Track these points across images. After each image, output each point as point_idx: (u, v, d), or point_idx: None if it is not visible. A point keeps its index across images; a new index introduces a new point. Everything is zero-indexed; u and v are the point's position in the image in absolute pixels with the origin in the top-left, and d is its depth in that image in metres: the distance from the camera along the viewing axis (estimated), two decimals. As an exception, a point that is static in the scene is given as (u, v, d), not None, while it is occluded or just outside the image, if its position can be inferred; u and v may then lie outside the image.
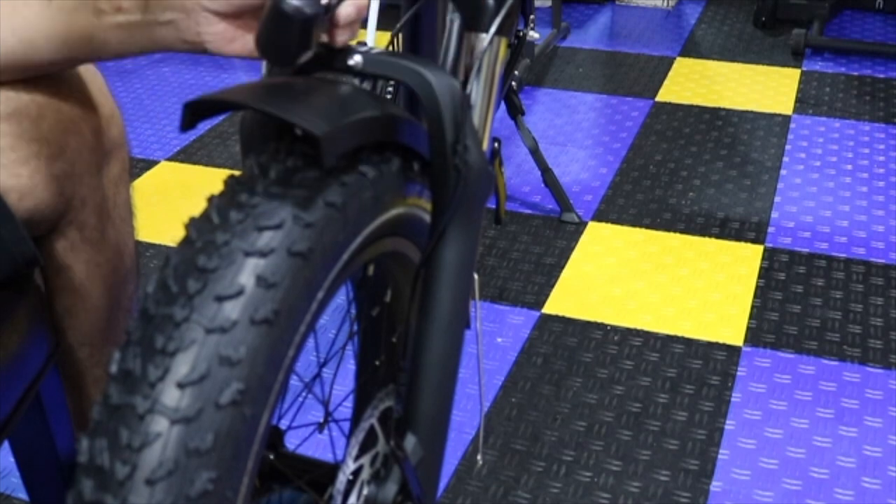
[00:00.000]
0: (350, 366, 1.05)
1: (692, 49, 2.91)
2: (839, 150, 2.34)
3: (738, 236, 2.01)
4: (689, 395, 1.59)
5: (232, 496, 0.64)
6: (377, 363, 1.00)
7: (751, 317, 1.78)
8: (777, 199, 2.14)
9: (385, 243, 0.84)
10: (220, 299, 0.64)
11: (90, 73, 1.00)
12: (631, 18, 3.15)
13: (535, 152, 2.06)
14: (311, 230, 0.69)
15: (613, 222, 2.07)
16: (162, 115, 2.57)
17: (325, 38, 0.80)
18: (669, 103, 2.58)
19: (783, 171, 2.25)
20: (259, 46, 0.75)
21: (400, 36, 1.60)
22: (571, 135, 2.43)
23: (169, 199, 2.18)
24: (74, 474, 0.63)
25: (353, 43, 0.82)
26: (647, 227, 2.05)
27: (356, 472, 0.87)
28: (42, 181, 0.92)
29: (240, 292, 0.64)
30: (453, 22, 1.02)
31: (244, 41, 0.84)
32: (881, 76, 2.72)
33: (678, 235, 2.02)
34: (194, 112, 0.70)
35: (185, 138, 2.44)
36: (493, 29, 0.97)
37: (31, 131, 0.91)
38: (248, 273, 0.65)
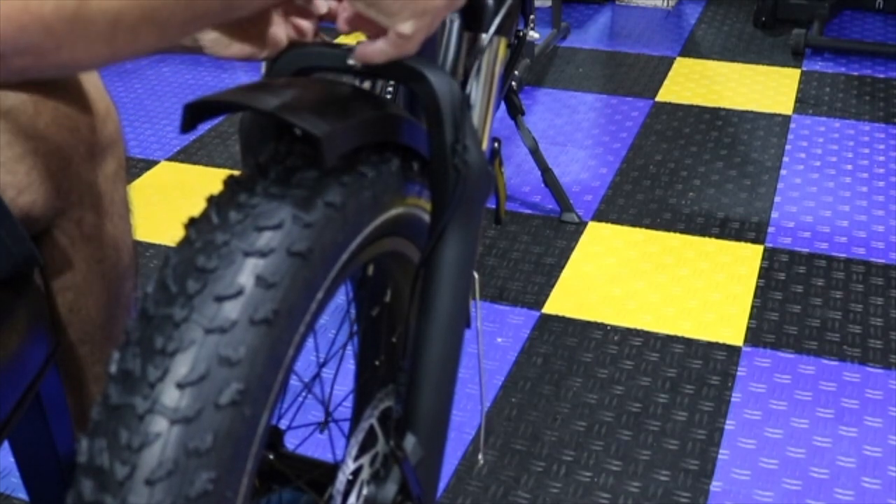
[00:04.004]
0: (350, 366, 1.05)
1: (692, 49, 2.91)
2: (839, 150, 2.34)
3: (738, 236, 2.01)
4: (689, 395, 1.59)
5: (231, 496, 0.64)
6: (377, 363, 1.00)
7: (751, 317, 1.78)
8: (777, 199, 2.14)
9: (384, 243, 0.84)
10: (220, 299, 0.64)
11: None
12: (631, 18, 3.15)
13: (535, 152, 2.06)
14: (311, 230, 0.69)
15: (613, 222, 2.07)
16: (162, 115, 2.57)
17: (323, 37, 0.80)
18: (669, 103, 2.58)
19: (783, 171, 2.25)
20: None
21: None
22: (571, 135, 2.43)
23: (169, 199, 2.18)
24: (74, 474, 0.63)
25: (354, 42, 0.82)
26: (647, 227, 2.05)
27: (356, 472, 0.87)
28: (39, 178, 0.93)
29: (239, 292, 0.64)
30: (453, 22, 1.02)
31: (241, 45, 0.85)
32: (881, 76, 2.72)
33: (678, 235, 2.02)
34: (194, 114, 0.70)
35: (185, 138, 2.44)
36: (492, 29, 0.97)
37: (28, 128, 0.92)
38: (247, 273, 0.65)
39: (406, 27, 0.72)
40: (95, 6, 0.48)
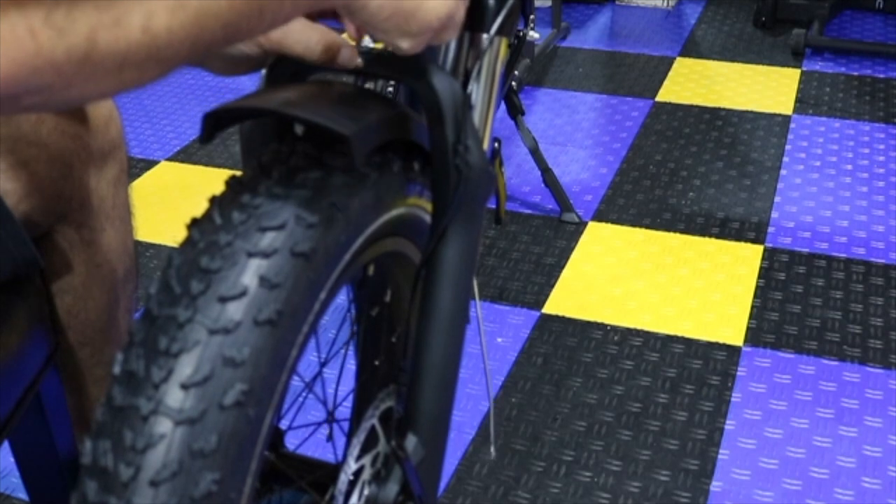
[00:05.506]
0: (350, 366, 1.05)
1: (692, 49, 2.91)
2: (839, 150, 2.34)
3: (738, 236, 2.01)
4: (689, 395, 1.60)
5: (236, 497, 0.64)
6: (377, 363, 1.00)
7: (751, 317, 1.78)
8: (777, 199, 2.15)
9: (386, 243, 0.84)
10: (224, 300, 0.64)
11: None
12: (631, 18, 3.15)
13: (535, 152, 2.06)
14: (314, 231, 0.68)
15: (613, 222, 2.07)
16: (162, 115, 2.57)
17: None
18: (669, 103, 2.58)
19: (783, 171, 2.25)
20: None
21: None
22: (571, 135, 2.43)
23: (169, 199, 2.18)
24: (78, 476, 0.63)
25: (354, 43, 0.82)
26: (647, 227, 2.05)
27: (357, 473, 0.87)
28: (40, 184, 0.93)
29: (243, 293, 0.64)
30: (454, 22, 1.02)
31: (247, 64, 0.85)
32: (881, 76, 2.72)
33: (678, 235, 2.02)
34: (215, 122, 0.69)
35: (185, 138, 2.44)
36: (493, 29, 0.97)
37: (30, 135, 0.92)
38: (251, 274, 0.65)
39: (404, 44, 0.73)
40: (105, 49, 0.51)
